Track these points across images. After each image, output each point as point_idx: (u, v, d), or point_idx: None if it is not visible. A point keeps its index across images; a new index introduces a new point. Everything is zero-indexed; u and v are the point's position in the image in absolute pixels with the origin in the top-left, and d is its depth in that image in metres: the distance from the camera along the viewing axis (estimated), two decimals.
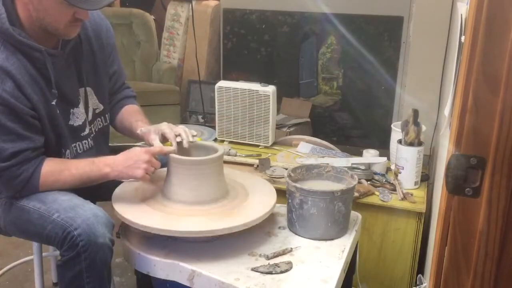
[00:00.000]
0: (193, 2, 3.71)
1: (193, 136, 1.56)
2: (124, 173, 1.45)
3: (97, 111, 1.62)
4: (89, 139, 1.59)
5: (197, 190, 1.48)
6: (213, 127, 2.65)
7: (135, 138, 1.66)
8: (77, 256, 1.33)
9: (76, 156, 1.54)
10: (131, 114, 1.71)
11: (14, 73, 1.34)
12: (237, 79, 2.64)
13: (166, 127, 1.55)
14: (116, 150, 1.77)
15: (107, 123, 1.68)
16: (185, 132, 1.54)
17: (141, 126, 1.61)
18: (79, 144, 1.56)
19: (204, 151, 1.56)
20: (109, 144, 1.75)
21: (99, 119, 1.64)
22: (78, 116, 1.54)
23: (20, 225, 1.47)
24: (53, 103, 1.44)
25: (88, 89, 1.57)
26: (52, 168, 1.44)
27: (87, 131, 1.58)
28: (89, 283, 1.37)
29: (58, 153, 1.49)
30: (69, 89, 1.50)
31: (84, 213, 1.36)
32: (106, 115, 1.67)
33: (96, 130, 1.63)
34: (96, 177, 1.46)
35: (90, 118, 1.60)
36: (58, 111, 1.45)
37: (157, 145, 1.50)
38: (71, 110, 1.52)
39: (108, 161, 1.46)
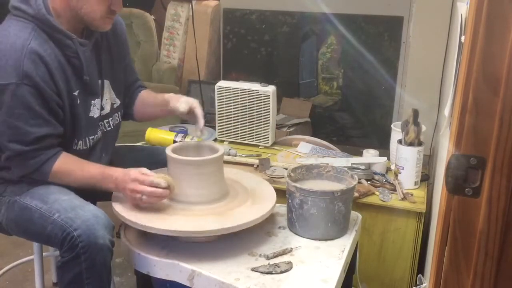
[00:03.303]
0: (193, 2, 3.71)
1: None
2: (122, 193, 1.48)
3: (115, 105, 1.64)
4: (103, 132, 1.61)
5: (197, 190, 1.48)
6: (213, 127, 2.65)
7: (158, 114, 1.75)
8: (77, 257, 1.33)
9: (89, 146, 1.55)
10: (151, 93, 1.77)
11: (47, 59, 1.37)
12: (237, 79, 2.64)
13: (197, 105, 1.61)
14: (118, 151, 1.77)
15: (120, 121, 1.70)
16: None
17: (167, 94, 1.69)
18: (92, 136, 1.57)
19: (204, 151, 1.56)
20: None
21: (115, 114, 1.66)
22: (98, 108, 1.56)
23: (22, 224, 1.48)
24: (75, 93, 1.47)
25: (107, 82, 1.60)
26: (66, 165, 1.46)
27: (101, 125, 1.60)
28: (88, 284, 1.37)
29: (70, 143, 1.51)
30: (93, 80, 1.53)
31: (84, 214, 1.36)
32: (120, 111, 1.69)
33: (113, 124, 1.65)
34: (101, 188, 1.48)
35: (109, 111, 1.62)
36: (78, 102, 1.48)
37: (183, 109, 1.59)
38: (92, 101, 1.54)
39: (114, 177, 1.45)
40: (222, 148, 1.56)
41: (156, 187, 1.41)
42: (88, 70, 1.50)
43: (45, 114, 1.40)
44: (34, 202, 1.43)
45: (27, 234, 1.52)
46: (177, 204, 1.48)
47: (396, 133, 2.14)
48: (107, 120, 1.62)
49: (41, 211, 1.41)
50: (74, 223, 1.34)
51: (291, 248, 1.47)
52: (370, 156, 2.21)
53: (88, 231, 1.33)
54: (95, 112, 1.55)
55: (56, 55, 1.41)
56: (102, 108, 1.58)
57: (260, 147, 2.48)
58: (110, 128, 1.64)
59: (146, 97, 1.76)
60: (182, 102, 1.61)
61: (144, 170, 1.45)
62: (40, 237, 1.45)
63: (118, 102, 1.66)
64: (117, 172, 1.46)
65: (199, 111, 1.61)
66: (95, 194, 1.52)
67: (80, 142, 1.53)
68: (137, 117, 1.78)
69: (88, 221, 1.34)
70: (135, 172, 1.43)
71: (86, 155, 1.55)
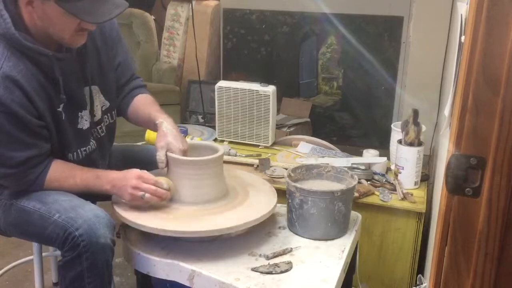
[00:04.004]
0: (193, 2, 3.71)
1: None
2: (118, 194, 1.46)
3: (103, 108, 1.60)
4: (96, 140, 1.58)
5: (197, 190, 1.48)
6: (213, 127, 2.65)
7: (151, 128, 1.63)
8: (78, 256, 1.33)
9: (82, 157, 1.53)
10: (147, 104, 1.67)
11: (21, 82, 1.32)
12: (237, 79, 2.64)
13: (177, 153, 1.48)
14: (117, 151, 1.77)
15: (113, 120, 1.66)
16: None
17: (160, 118, 1.56)
18: (84, 148, 1.54)
19: (204, 151, 1.56)
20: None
21: (105, 116, 1.62)
22: (87, 119, 1.52)
23: (20, 226, 1.47)
24: (59, 109, 1.42)
25: (95, 87, 1.55)
26: (58, 174, 1.44)
27: (95, 132, 1.57)
28: (90, 283, 1.37)
29: (62, 157, 1.49)
30: (77, 92, 1.49)
31: (85, 213, 1.36)
32: (113, 112, 1.65)
33: (105, 128, 1.62)
34: (97, 191, 1.46)
35: (100, 117, 1.58)
36: (63, 117, 1.44)
37: (162, 161, 1.47)
38: (80, 113, 1.50)
39: (110, 178, 1.45)
40: (222, 148, 1.56)
41: (159, 187, 1.42)
42: (70, 85, 1.44)
43: (27, 138, 1.36)
44: (32, 204, 1.43)
45: (27, 235, 1.52)
46: (177, 204, 1.48)
47: (396, 133, 2.14)
48: (99, 126, 1.59)
49: (40, 212, 1.40)
50: (76, 223, 1.33)
51: (291, 248, 1.47)
52: (370, 156, 2.21)
53: (90, 231, 1.33)
54: (83, 124, 1.51)
55: (33, 74, 1.35)
56: (93, 116, 1.55)
57: (260, 147, 2.48)
58: (103, 134, 1.61)
59: (140, 109, 1.67)
60: (161, 149, 1.47)
61: (146, 171, 1.45)
62: (41, 237, 1.45)
63: (107, 104, 1.61)
64: (113, 174, 1.45)
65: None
66: (95, 194, 1.52)
67: (70, 154, 1.50)
68: (130, 121, 1.73)
69: (89, 221, 1.34)
70: (138, 171, 1.44)
71: (82, 165, 1.51)
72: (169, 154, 1.48)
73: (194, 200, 1.48)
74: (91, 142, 1.56)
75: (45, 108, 1.38)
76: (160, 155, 1.47)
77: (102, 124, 1.60)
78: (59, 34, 1.36)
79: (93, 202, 1.48)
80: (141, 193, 1.40)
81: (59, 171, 1.45)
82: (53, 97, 1.41)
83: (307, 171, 1.65)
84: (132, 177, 1.42)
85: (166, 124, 1.53)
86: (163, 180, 1.43)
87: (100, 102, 1.58)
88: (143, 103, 1.68)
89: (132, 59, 1.75)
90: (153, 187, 1.41)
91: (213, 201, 1.49)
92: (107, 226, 1.36)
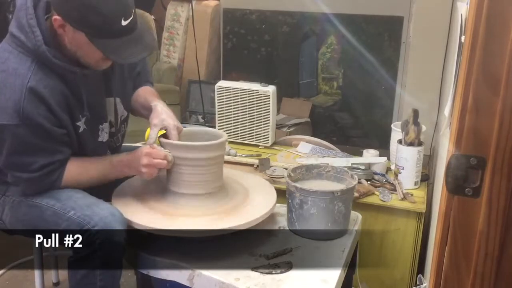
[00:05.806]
0: (193, 2, 3.71)
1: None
2: (136, 174, 1.49)
3: (122, 118, 1.63)
4: (111, 150, 1.60)
5: (196, 178, 1.47)
6: (213, 127, 2.65)
7: (146, 113, 1.62)
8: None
9: None
10: (146, 92, 1.70)
11: (47, 96, 1.34)
12: (237, 79, 2.64)
13: (172, 128, 1.51)
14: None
15: (127, 127, 1.70)
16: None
17: (155, 101, 1.58)
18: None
19: (207, 138, 1.55)
20: None
21: (123, 125, 1.65)
22: (107, 131, 1.55)
23: (29, 222, 1.47)
24: (79, 123, 1.45)
25: (117, 99, 1.58)
26: (73, 172, 1.46)
27: (111, 143, 1.60)
28: (101, 280, 1.38)
29: None
30: (99, 105, 1.51)
31: (101, 211, 1.37)
32: (128, 120, 1.69)
33: (121, 136, 1.65)
34: (115, 177, 1.50)
35: (118, 127, 1.61)
36: (81, 130, 1.46)
37: (152, 137, 1.49)
38: (100, 126, 1.53)
39: (125, 162, 1.48)
40: (225, 134, 1.55)
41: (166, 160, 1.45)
42: (92, 98, 1.47)
43: (53, 144, 1.39)
44: (45, 201, 1.43)
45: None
46: (177, 204, 1.48)
47: (396, 133, 2.14)
48: (116, 137, 1.62)
49: (54, 209, 1.41)
50: (92, 220, 1.35)
51: (291, 248, 1.47)
52: (370, 156, 2.21)
53: (106, 228, 1.34)
54: (104, 137, 1.54)
55: (59, 88, 1.38)
56: (112, 127, 1.58)
57: (260, 147, 2.48)
58: (119, 143, 1.64)
59: (140, 95, 1.69)
60: (154, 127, 1.50)
61: (154, 146, 1.47)
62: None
63: (125, 114, 1.65)
64: (124, 157, 1.48)
65: (172, 134, 1.50)
66: (96, 194, 1.52)
67: None
68: (132, 111, 1.73)
69: (106, 219, 1.35)
70: (144, 149, 1.46)
71: None
72: (167, 141, 1.48)
73: (194, 193, 1.47)
74: (107, 153, 1.58)
75: (67, 121, 1.41)
76: (153, 133, 1.49)
77: (119, 134, 1.63)
78: (85, 59, 1.39)
79: None
80: (155, 169, 1.43)
81: (74, 168, 1.47)
82: (76, 111, 1.44)
83: (307, 171, 1.65)
84: (140, 155, 1.44)
85: (161, 105, 1.56)
86: (168, 153, 1.46)
87: (120, 112, 1.61)
88: (144, 92, 1.71)
89: (148, 67, 1.79)
90: (164, 162, 1.44)
91: (213, 200, 1.49)
92: (121, 225, 1.38)
